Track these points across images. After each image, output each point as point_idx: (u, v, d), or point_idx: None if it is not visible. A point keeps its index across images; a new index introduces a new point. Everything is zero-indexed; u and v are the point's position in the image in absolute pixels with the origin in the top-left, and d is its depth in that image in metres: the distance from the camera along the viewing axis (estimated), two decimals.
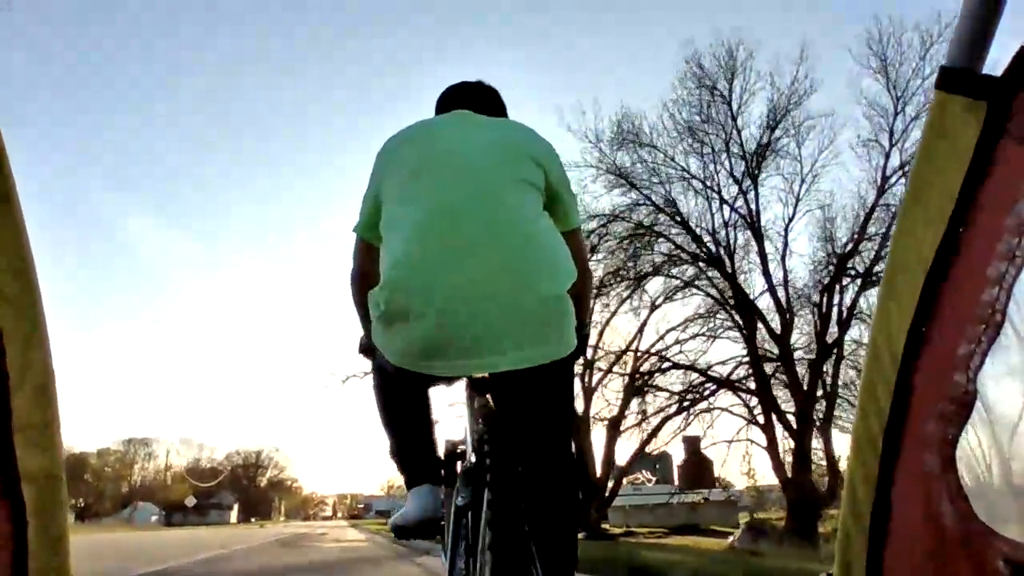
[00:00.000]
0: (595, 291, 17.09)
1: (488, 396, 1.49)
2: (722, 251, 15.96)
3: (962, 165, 1.06)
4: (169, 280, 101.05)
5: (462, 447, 1.52)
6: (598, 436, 18.24)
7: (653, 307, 17.30)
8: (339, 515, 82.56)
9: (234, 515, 69.35)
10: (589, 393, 18.09)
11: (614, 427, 17.40)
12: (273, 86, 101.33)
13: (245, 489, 71.40)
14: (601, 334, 18.02)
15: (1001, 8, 1.02)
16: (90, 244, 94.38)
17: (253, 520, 67.16)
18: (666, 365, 16.92)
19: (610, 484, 17.58)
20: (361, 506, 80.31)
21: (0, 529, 1.18)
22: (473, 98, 1.85)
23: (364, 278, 1.64)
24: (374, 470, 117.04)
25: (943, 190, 1.08)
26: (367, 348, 1.65)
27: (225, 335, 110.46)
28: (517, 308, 1.39)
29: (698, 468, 30.44)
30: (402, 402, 1.62)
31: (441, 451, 1.67)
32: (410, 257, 1.44)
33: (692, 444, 28.61)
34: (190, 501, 59.77)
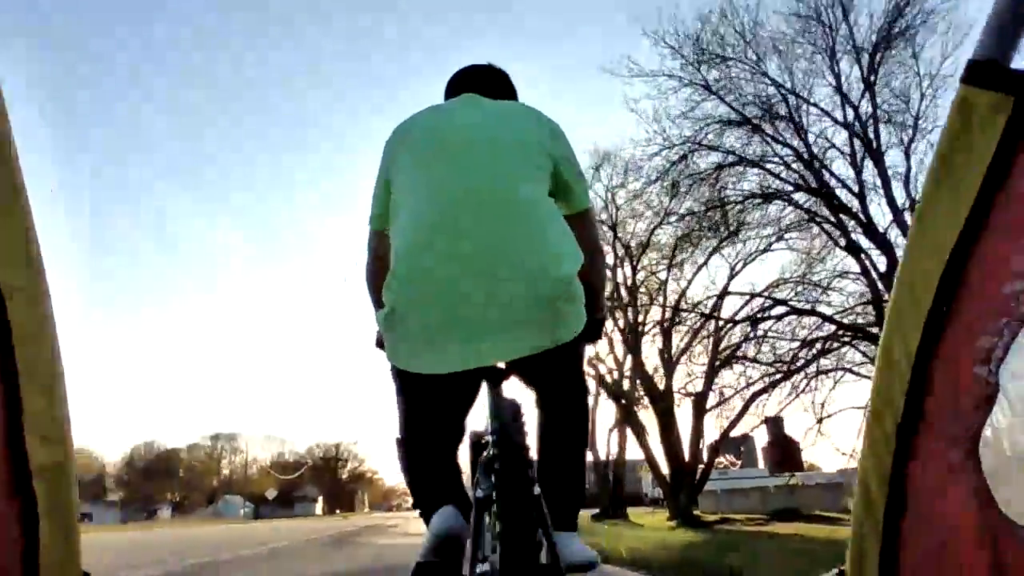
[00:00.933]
0: (680, 239, 16.44)
1: (503, 385, 1.48)
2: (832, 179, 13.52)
3: (984, 160, 1.05)
4: (248, 278, 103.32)
5: (486, 439, 1.50)
6: (684, 415, 17.50)
7: (747, 260, 16.21)
8: None
9: (319, 507, 70.21)
10: (671, 366, 17.55)
11: (699, 404, 16.68)
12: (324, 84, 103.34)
13: (328, 482, 72.75)
14: (682, 296, 17.43)
15: None
16: (168, 245, 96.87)
17: (338, 512, 68.35)
18: (780, 311, 14.71)
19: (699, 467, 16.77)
20: None
21: (11, 523, 1.19)
22: (481, 82, 1.83)
23: (379, 270, 1.61)
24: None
25: (964, 185, 1.07)
26: (383, 342, 1.63)
27: (301, 330, 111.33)
28: (522, 296, 1.38)
29: (784, 450, 29.53)
30: (428, 423, 1.58)
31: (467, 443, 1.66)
32: (416, 248, 1.44)
33: (776, 425, 27.71)
34: (270, 494, 61.20)
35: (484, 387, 1.50)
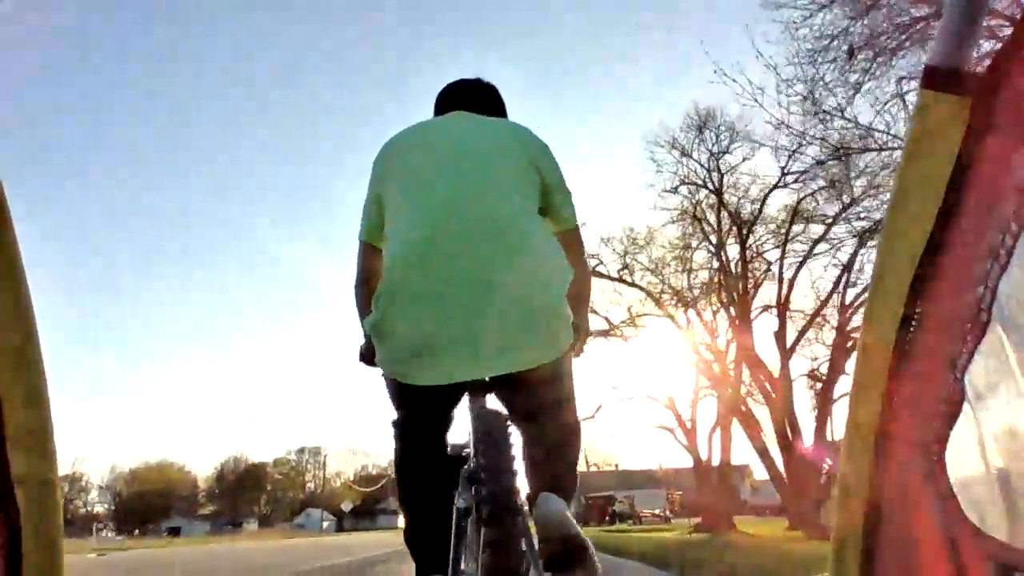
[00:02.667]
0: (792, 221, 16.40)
1: (487, 398, 1.48)
2: None
3: (948, 164, 1.05)
4: (328, 295, 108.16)
5: (466, 451, 1.51)
6: (801, 408, 16.76)
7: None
8: None
9: (401, 520, 68.34)
10: (788, 353, 16.86)
11: (825, 392, 15.72)
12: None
13: None
14: (793, 280, 16.90)
15: (986, 5, 1.02)
16: (247, 263, 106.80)
17: None
18: None
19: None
20: None
21: None
22: (471, 97, 1.84)
23: (369, 283, 1.63)
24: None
25: (929, 189, 1.08)
26: (367, 355, 1.65)
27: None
28: (512, 312, 1.39)
29: None
30: (421, 463, 1.56)
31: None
32: (407, 262, 1.44)
33: None
34: (346, 506, 61.92)
35: (464, 400, 1.51)
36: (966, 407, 1.06)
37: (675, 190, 18.88)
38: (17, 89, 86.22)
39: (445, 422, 1.61)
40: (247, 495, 72.93)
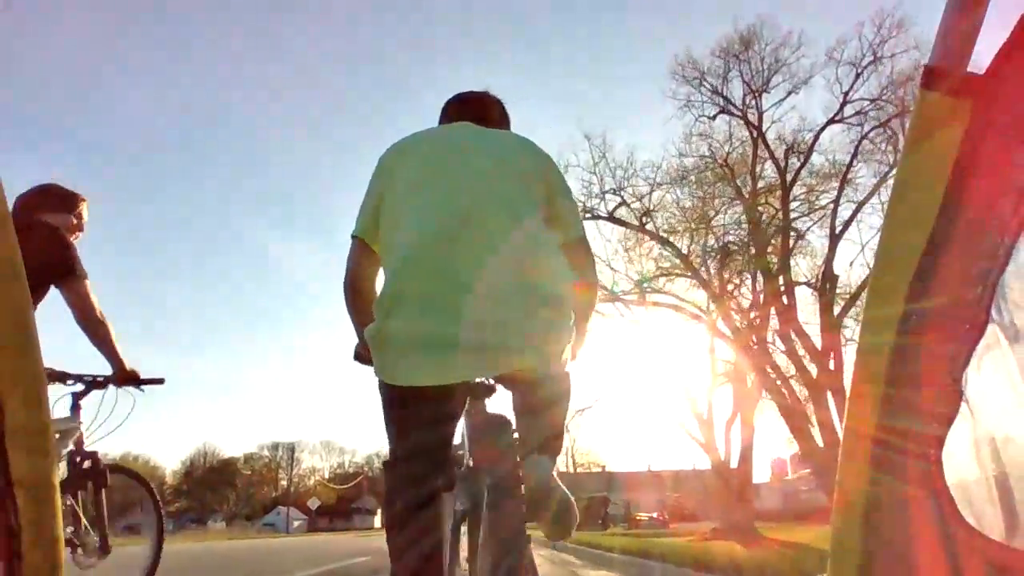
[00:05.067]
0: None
1: (485, 401, 1.50)
2: None
3: (946, 165, 1.05)
4: (303, 288, 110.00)
5: (460, 452, 1.52)
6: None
7: None
8: None
9: (377, 520, 66.87)
10: (838, 317, 14.97)
11: None
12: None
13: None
14: (842, 233, 14.82)
15: (985, 5, 1.01)
16: (231, 261, 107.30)
17: None
18: None
19: None
20: None
21: None
22: (476, 109, 1.87)
23: (358, 284, 1.65)
24: None
25: (928, 190, 1.08)
26: (361, 355, 1.65)
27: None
28: (513, 317, 1.41)
29: None
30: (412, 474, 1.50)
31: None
32: (409, 265, 1.46)
33: None
34: (313, 503, 59.76)
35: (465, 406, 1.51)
36: (964, 408, 1.06)
37: (712, 118, 16.57)
38: (18, 88, 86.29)
39: (443, 453, 1.54)
40: (216, 492, 70.86)
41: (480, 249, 1.45)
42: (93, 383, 2.74)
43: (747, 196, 16.06)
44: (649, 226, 17.12)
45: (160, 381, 2.87)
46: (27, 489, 1.20)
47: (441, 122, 1.92)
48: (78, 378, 2.72)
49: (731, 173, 16.36)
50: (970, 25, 1.02)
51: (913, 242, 1.09)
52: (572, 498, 1.36)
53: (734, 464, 16.26)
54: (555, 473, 1.43)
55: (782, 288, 15.35)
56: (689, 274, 16.71)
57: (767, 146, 16.21)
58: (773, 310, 15.57)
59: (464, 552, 1.51)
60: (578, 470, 48.31)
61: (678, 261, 16.86)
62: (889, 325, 1.14)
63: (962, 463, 1.07)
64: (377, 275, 1.69)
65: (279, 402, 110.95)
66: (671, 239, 16.93)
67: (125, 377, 2.77)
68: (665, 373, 23.77)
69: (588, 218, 17.18)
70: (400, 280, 1.48)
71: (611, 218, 17.49)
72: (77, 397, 2.71)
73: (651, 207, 17.42)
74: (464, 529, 1.52)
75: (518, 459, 1.45)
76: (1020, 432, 1.05)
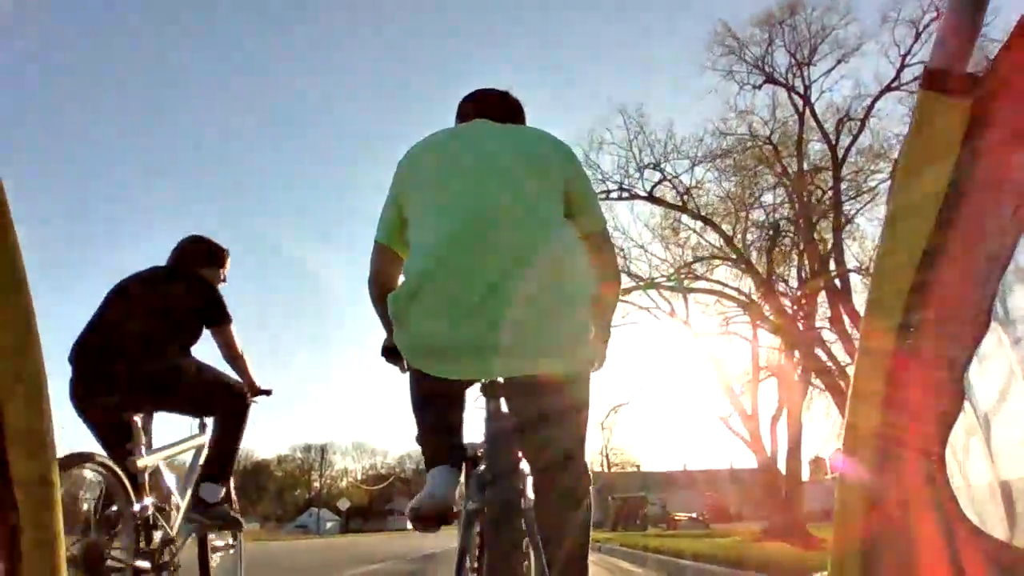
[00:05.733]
0: None
1: (502, 400, 1.48)
2: None
3: (947, 165, 1.06)
4: (332, 290, 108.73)
5: (480, 451, 1.49)
6: None
7: None
8: None
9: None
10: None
11: None
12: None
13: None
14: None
15: (985, 6, 1.02)
16: (254, 258, 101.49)
17: None
18: None
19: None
20: None
21: None
22: (493, 107, 1.86)
23: (383, 283, 1.68)
24: None
25: (929, 191, 1.08)
26: (390, 350, 1.67)
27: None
28: (530, 318, 1.40)
29: None
30: (431, 399, 1.63)
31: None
32: (432, 264, 1.46)
33: None
34: (343, 504, 59.39)
35: (480, 400, 1.50)
36: (966, 408, 1.06)
37: (758, 87, 15.30)
38: (18, 88, 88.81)
39: (462, 402, 1.65)
40: (250, 494, 68.96)
41: (504, 249, 1.46)
42: None
43: (792, 176, 14.92)
44: (690, 206, 15.95)
45: (268, 392, 3.37)
46: (27, 489, 1.19)
47: (457, 120, 1.92)
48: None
49: (775, 152, 15.31)
50: (970, 26, 1.02)
51: (914, 242, 1.09)
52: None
53: (781, 461, 15.16)
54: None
55: (833, 273, 14.26)
56: (734, 258, 15.63)
57: (816, 118, 14.90)
58: (823, 296, 14.62)
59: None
60: (612, 469, 47.36)
61: (722, 244, 15.85)
62: (891, 325, 1.13)
63: (965, 463, 1.08)
64: (399, 275, 1.69)
65: (311, 404, 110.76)
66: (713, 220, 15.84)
67: (254, 390, 3.24)
68: (704, 367, 22.51)
69: (626, 198, 16.43)
70: (417, 276, 1.49)
71: (650, 197, 16.28)
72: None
73: (693, 184, 16.13)
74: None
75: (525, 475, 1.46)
76: (1021, 432, 1.05)
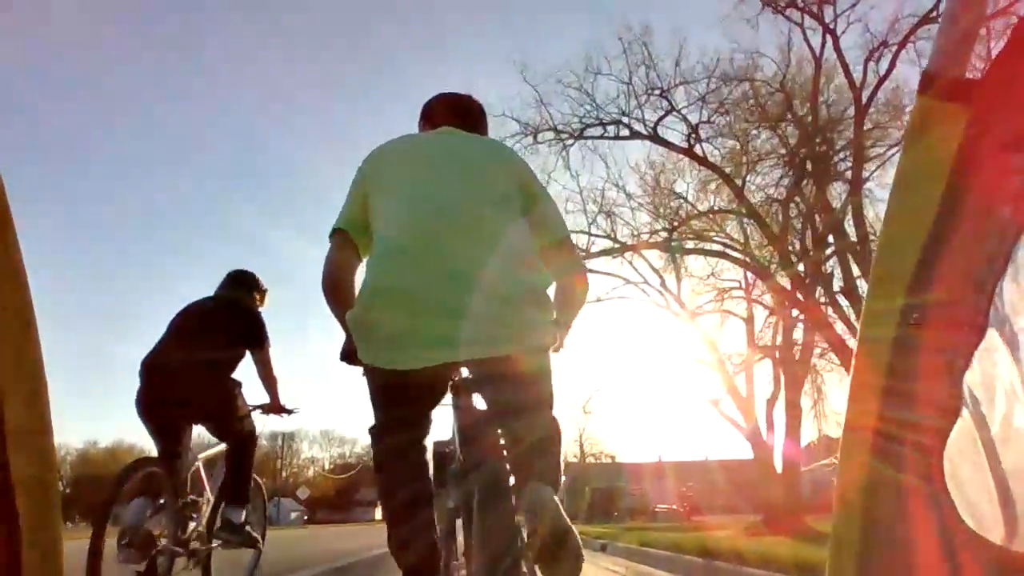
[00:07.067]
0: None
1: (473, 397, 1.52)
2: None
3: (945, 170, 1.06)
4: (304, 280, 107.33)
5: (450, 448, 1.53)
6: None
7: None
8: None
9: (379, 512, 60.80)
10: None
11: None
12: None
13: None
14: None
15: (984, 11, 1.02)
16: (225, 246, 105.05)
17: None
18: None
19: None
20: None
21: None
22: (458, 112, 1.95)
23: (339, 276, 1.69)
24: None
25: (927, 195, 1.09)
26: (349, 353, 1.69)
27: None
28: (490, 305, 1.45)
29: None
30: (392, 405, 1.59)
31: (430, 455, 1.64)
32: (390, 256, 1.53)
33: None
34: (302, 493, 58.18)
35: (447, 399, 1.56)
36: (964, 409, 1.07)
37: (781, 10, 13.67)
38: (18, 88, 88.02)
39: (425, 422, 1.62)
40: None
41: (457, 241, 1.52)
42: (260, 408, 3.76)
43: (809, 126, 13.48)
44: (697, 150, 14.42)
45: (294, 411, 3.88)
46: (27, 489, 1.19)
47: (422, 120, 2.01)
48: (251, 408, 3.71)
49: (787, 98, 14.07)
50: (968, 30, 1.03)
51: (911, 247, 1.10)
52: (579, 537, 1.32)
53: (778, 448, 14.32)
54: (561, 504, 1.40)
55: (854, 240, 12.84)
56: (743, 211, 14.26)
57: (840, 55, 13.06)
58: (836, 262, 13.37)
59: (461, 548, 1.53)
60: (587, 459, 46.62)
61: (725, 198, 14.48)
62: (889, 325, 1.12)
63: (962, 464, 1.07)
64: (357, 270, 1.73)
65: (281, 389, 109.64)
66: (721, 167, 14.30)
67: (278, 408, 3.79)
68: (694, 346, 21.01)
69: (625, 136, 14.91)
70: (383, 271, 1.55)
71: (654, 136, 14.65)
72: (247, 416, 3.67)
73: (702, 119, 14.31)
74: (459, 525, 1.54)
75: (506, 459, 1.48)
76: (1018, 434, 1.06)
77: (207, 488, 3.55)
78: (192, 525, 3.29)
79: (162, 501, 3.07)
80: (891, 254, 1.14)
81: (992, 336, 1.03)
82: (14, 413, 1.18)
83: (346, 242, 1.73)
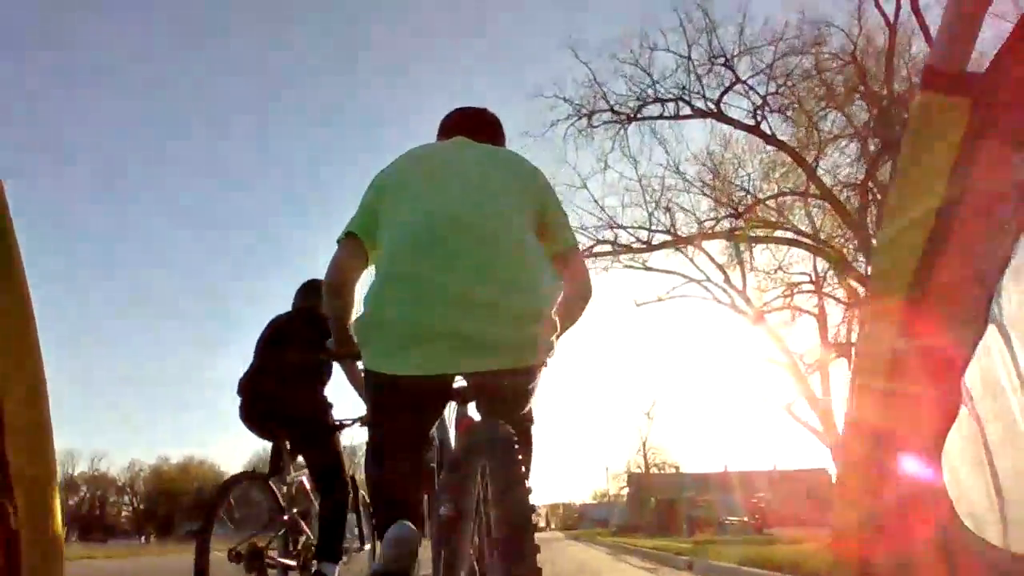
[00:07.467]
0: None
1: (469, 407, 1.56)
2: None
3: (947, 165, 1.04)
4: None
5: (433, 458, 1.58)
6: None
7: None
8: (552, 526, 75.15)
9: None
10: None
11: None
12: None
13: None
14: None
15: (985, 7, 1.02)
16: (258, 253, 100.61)
17: None
18: None
19: None
20: (577, 515, 74.01)
21: None
22: (474, 126, 1.97)
23: (344, 281, 1.72)
24: (584, 477, 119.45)
25: (929, 191, 1.06)
26: (335, 352, 1.78)
27: None
28: (499, 314, 1.47)
29: None
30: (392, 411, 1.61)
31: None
32: (399, 264, 1.54)
33: None
34: None
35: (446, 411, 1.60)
36: (964, 408, 1.03)
37: None
38: (17, 87, 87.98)
39: (424, 431, 1.68)
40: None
41: (467, 247, 1.53)
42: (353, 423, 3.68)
43: (884, 100, 12.23)
44: (763, 127, 13.24)
45: None
46: (27, 489, 1.21)
47: (439, 136, 2.03)
48: (341, 421, 3.62)
49: (861, 72, 12.85)
50: (970, 26, 1.01)
51: (915, 241, 1.07)
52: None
53: None
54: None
55: None
56: (818, 193, 13.08)
57: (919, 15, 10.71)
58: None
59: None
60: (651, 470, 45.83)
61: (792, 184, 13.46)
62: (891, 324, 1.14)
63: (962, 463, 1.05)
64: (360, 276, 1.76)
65: (347, 395, 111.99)
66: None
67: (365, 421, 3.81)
68: (761, 347, 17.92)
69: (685, 115, 13.86)
70: (391, 278, 1.55)
71: (717, 113, 13.50)
72: (338, 430, 3.60)
73: (771, 91, 12.91)
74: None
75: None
76: (1017, 434, 1.02)
77: (314, 503, 3.51)
78: (302, 539, 3.28)
79: (269, 516, 3.14)
80: (892, 250, 1.12)
81: (993, 332, 1.01)
82: (14, 413, 1.21)
83: (356, 247, 1.74)
